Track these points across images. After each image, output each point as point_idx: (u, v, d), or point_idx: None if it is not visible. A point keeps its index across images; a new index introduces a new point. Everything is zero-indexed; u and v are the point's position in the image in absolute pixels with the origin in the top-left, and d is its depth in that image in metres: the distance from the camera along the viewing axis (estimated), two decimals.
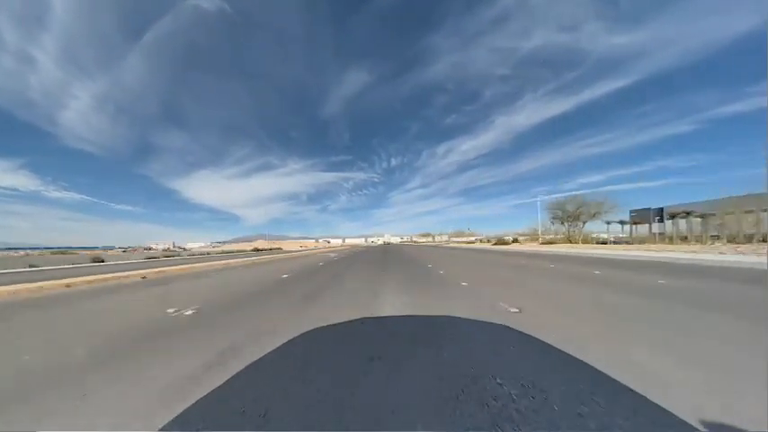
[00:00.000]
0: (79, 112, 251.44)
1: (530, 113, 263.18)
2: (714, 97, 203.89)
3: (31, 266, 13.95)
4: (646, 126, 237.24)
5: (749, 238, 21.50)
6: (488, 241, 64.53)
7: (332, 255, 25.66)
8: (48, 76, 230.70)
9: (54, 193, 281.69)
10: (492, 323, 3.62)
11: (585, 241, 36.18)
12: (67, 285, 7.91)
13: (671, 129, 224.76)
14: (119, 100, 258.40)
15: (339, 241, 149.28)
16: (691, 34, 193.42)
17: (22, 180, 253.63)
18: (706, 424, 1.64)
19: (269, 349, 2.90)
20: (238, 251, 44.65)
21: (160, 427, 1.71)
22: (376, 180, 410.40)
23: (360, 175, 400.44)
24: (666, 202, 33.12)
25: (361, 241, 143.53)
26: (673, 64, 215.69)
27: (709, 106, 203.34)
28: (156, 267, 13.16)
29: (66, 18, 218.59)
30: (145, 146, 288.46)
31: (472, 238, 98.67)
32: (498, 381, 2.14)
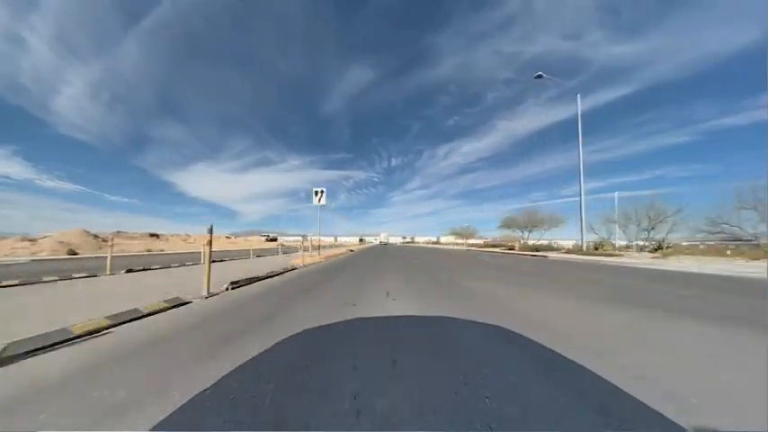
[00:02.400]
0: (73, 99, 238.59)
1: (531, 118, 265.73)
2: (712, 109, 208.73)
3: None
4: (644, 135, 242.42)
5: None
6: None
7: None
8: (40, 60, 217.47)
9: (48, 183, 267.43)
10: None
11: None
12: None
13: (669, 139, 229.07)
14: (114, 88, 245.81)
15: (330, 239, 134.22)
16: (690, 46, 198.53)
17: (16, 168, 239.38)
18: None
19: None
20: None
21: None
22: (376, 179, 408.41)
23: (360, 174, 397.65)
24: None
25: (356, 240, 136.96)
26: (672, 75, 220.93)
27: (708, 118, 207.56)
28: None
29: None
30: (140, 136, 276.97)
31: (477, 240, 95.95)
32: None
